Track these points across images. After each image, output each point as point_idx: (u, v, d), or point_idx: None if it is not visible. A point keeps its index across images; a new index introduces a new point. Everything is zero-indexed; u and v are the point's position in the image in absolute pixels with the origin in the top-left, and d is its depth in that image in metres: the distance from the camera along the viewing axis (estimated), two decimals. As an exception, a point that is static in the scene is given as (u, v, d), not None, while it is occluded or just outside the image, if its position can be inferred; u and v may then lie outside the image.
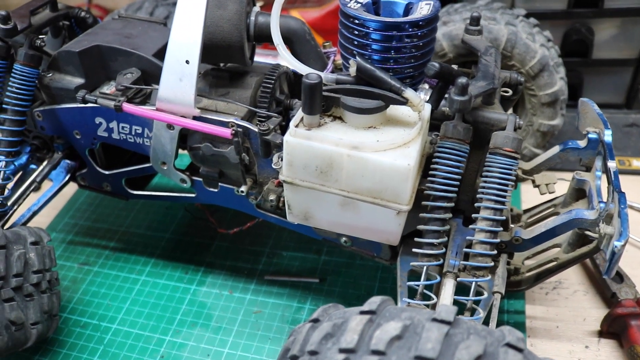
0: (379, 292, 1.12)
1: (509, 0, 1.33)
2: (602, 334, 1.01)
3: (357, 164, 0.75)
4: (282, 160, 0.81)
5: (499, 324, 1.03)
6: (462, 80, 0.74)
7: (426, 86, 0.96)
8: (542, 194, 0.99)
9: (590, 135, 0.94)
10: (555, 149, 1.00)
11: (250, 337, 1.04)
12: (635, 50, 1.35)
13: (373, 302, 0.66)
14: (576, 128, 1.00)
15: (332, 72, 0.95)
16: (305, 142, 0.76)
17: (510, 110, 0.95)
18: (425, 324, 0.60)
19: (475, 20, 0.93)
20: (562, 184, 1.01)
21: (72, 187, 1.18)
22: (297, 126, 0.78)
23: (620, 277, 1.05)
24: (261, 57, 1.06)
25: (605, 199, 0.86)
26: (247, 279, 1.16)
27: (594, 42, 1.35)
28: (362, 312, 0.64)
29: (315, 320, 0.69)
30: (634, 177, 1.33)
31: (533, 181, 1.00)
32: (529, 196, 1.26)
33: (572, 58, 1.37)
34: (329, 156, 0.76)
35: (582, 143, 0.96)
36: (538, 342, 1.01)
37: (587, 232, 0.89)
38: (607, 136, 0.91)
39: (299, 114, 0.79)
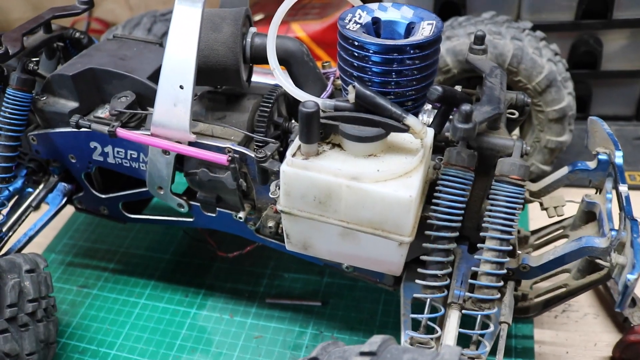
0: (382, 316, 1.09)
1: (515, 13, 1.29)
2: (614, 360, 0.97)
3: (356, 195, 0.72)
4: (279, 189, 0.78)
5: (507, 349, 1.00)
6: (466, 107, 0.71)
7: (429, 107, 0.94)
8: (550, 217, 0.96)
9: (600, 156, 0.91)
10: (564, 170, 0.96)
11: (250, 364, 1.02)
12: (646, 62, 1.32)
13: (374, 342, 0.63)
14: (585, 146, 0.96)
15: (332, 94, 0.93)
16: (303, 172, 0.73)
17: (516, 132, 0.92)
18: (429, 367, 0.58)
19: (479, 39, 0.90)
20: (570, 205, 0.97)
21: (72, 208, 1.16)
22: (294, 155, 0.75)
23: (633, 301, 1.01)
24: (260, 77, 1.03)
25: (616, 225, 0.83)
26: (248, 302, 1.14)
27: (603, 54, 1.31)
28: (362, 354, 0.62)
29: (314, 359, 0.66)
30: (646, 193, 1.30)
31: (541, 204, 0.97)
32: (536, 214, 1.22)
33: (580, 70, 1.33)
34: (327, 187, 0.73)
35: (592, 164, 0.93)
36: (547, 369, 0.98)
37: (598, 260, 0.86)
38: (618, 158, 0.87)
39: (296, 142, 0.76)
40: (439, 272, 0.78)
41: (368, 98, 0.73)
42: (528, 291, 0.97)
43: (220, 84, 0.93)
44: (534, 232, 1.04)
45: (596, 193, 0.94)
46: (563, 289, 0.92)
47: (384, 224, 0.74)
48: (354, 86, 0.74)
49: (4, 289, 0.87)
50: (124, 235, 1.31)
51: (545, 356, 1.00)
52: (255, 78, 0.99)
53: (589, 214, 0.94)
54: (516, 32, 1.14)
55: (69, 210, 1.36)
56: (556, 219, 1.00)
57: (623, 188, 0.83)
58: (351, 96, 0.74)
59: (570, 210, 0.97)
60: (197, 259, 1.24)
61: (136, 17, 1.33)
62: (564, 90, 1.13)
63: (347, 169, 0.73)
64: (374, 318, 1.08)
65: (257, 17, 1.52)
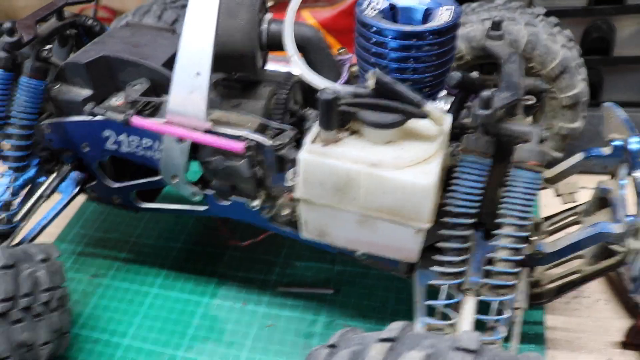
0: (395, 304, 1.09)
1: (527, -1, 1.28)
2: (626, 346, 0.98)
3: (376, 182, 0.72)
4: (297, 176, 0.78)
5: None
6: (487, 93, 0.70)
7: (443, 93, 0.93)
8: (565, 203, 0.96)
9: (615, 143, 0.91)
10: (578, 156, 0.96)
11: (264, 352, 1.02)
12: (659, 48, 1.31)
13: (393, 328, 0.63)
14: (600, 133, 0.96)
15: (348, 81, 0.92)
16: (322, 159, 0.73)
17: (528, 119, 0.91)
18: (449, 353, 0.58)
19: (497, 25, 0.90)
20: (582, 191, 0.97)
21: (83, 196, 1.16)
22: (313, 142, 0.75)
23: (645, 287, 1.01)
24: (274, 64, 1.02)
25: (630, 211, 0.83)
26: (260, 291, 1.14)
27: (616, 40, 1.31)
28: (382, 340, 0.62)
29: (333, 346, 0.67)
30: (656, 180, 1.29)
31: (556, 190, 0.97)
32: (548, 200, 1.22)
33: (592, 56, 1.32)
34: (347, 174, 0.73)
35: (606, 150, 0.93)
36: (558, 355, 0.98)
37: (613, 246, 0.86)
38: (634, 144, 0.87)
39: (314, 129, 0.76)
40: (456, 259, 0.78)
41: (388, 84, 0.73)
42: (541, 277, 0.97)
43: (236, 71, 0.93)
44: (546, 219, 1.04)
45: (611, 179, 0.94)
46: (577, 275, 0.93)
47: (402, 210, 0.74)
48: (374, 72, 0.73)
49: (18, 279, 0.87)
50: (135, 224, 1.31)
51: (557, 342, 1.00)
52: (270, 65, 0.99)
53: (602, 201, 0.94)
54: (530, 18, 1.13)
55: (79, 199, 1.35)
56: (569, 205, 1.00)
57: (638, 174, 0.83)
58: (371, 82, 0.74)
59: (582, 196, 0.97)
60: (208, 247, 1.24)
61: (146, 4, 1.32)
62: (577, 77, 1.12)
63: (366, 156, 0.72)
64: (386, 306, 1.09)
65: (267, 4, 1.50)
